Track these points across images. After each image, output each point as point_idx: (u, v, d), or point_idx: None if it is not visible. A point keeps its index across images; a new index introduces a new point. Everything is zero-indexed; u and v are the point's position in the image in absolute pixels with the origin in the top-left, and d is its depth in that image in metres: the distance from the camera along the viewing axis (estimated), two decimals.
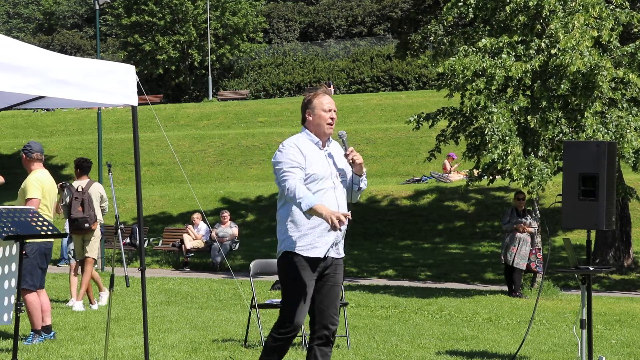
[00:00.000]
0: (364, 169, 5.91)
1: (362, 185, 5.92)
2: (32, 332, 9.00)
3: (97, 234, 11.80)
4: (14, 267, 6.39)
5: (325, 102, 5.81)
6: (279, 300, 10.68)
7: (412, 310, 13.12)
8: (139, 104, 7.18)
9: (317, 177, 5.71)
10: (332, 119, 5.81)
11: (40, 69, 6.14)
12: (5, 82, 5.89)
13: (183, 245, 21.16)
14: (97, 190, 11.81)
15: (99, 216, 11.80)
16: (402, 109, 37.89)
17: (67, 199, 11.65)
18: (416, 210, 25.95)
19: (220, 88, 57.68)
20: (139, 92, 7.02)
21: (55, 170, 34.93)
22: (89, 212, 11.59)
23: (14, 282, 6.38)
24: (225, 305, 13.28)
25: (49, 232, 6.38)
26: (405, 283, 18.34)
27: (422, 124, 16.59)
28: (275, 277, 15.49)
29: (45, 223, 6.39)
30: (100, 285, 12.52)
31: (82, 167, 11.78)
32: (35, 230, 6.29)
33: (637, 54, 15.39)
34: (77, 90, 6.49)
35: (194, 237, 21.19)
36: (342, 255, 5.92)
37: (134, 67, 7.07)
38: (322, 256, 5.73)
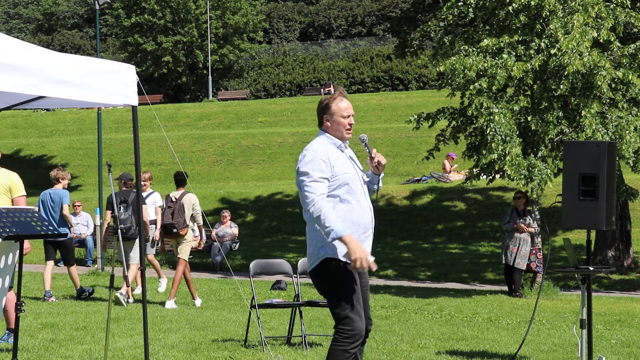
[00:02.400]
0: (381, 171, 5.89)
1: (381, 184, 5.93)
2: (7, 331, 8.96)
3: (188, 237, 13.06)
4: (10, 260, 6.37)
5: (344, 109, 5.70)
6: (279, 300, 10.73)
7: (412, 310, 13.12)
8: (139, 104, 7.18)
9: (349, 181, 5.59)
10: (350, 124, 5.72)
11: (40, 68, 6.13)
12: (5, 82, 5.88)
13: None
14: (189, 201, 13.16)
15: (190, 223, 13.11)
16: (402, 109, 37.92)
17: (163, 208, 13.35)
18: (416, 210, 25.95)
19: (220, 88, 57.69)
20: (139, 92, 7.02)
21: None
22: (178, 219, 12.90)
23: (7, 282, 6.36)
24: (225, 305, 13.28)
25: (49, 232, 6.37)
26: (405, 283, 18.33)
27: (422, 124, 16.58)
28: (275, 277, 15.59)
29: (46, 223, 6.38)
30: (160, 272, 14.95)
31: (177, 180, 13.31)
32: (35, 230, 6.28)
33: (638, 55, 15.39)
34: (77, 90, 6.48)
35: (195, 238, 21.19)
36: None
37: (134, 67, 7.07)
38: None
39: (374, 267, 5.43)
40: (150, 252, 14.37)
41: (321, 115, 5.76)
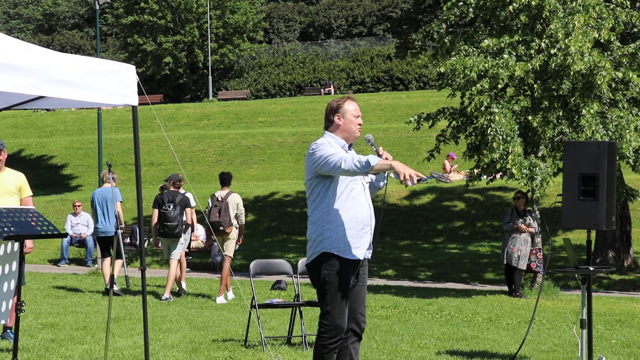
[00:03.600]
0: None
1: (381, 184, 6.09)
2: (8, 331, 8.96)
3: (233, 235, 13.72)
4: (14, 266, 6.38)
5: (355, 109, 6.00)
6: (279, 300, 10.74)
7: (412, 310, 13.12)
8: (139, 104, 7.17)
9: (351, 179, 5.84)
10: (359, 124, 5.98)
11: (40, 68, 6.13)
12: (5, 82, 5.88)
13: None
14: (234, 200, 13.86)
15: (234, 221, 13.74)
16: (402, 109, 37.91)
17: (209, 207, 13.88)
18: (416, 210, 25.94)
19: (220, 88, 57.69)
20: (139, 92, 7.02)
21: (56, 170, 34.92)
22: (224, 217, 13.59)
23: (13, 284, 6.37)
24: (225, 305, 13.28)
25: (49, 232, 6.37)
26: (405, 283, 18.33)
27: (422, 124, 16.59)
28: (275, 277, 15.60)
29: (46, 223, 6.38)
30: (183, 274, 14.99)
31: (222, 179, 14.08)
32: (35, 230, 6.28)
33: (638, 54, 15.39)
34: (77, 90, 6.48)
35: (193, 238, 21.19)
36: (369, 256, 6.03)
37: (134, 67, 7.07)
38: (361, 258, 5.86)
39: (418, 176, 5.51)
40: (183, 250, 14.61)
41: (331, 115, 6.01)
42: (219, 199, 13.78)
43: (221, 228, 13.55)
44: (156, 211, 13.98)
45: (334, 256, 5.75)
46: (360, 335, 5.95)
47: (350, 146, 6.00)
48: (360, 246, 5.82)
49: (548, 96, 14.85)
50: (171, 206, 13.89)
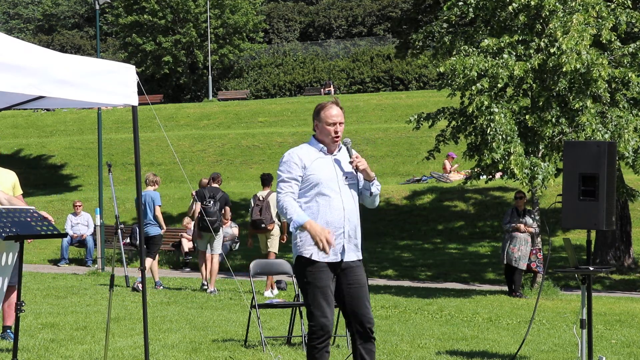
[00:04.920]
0: (372, 174, 6.04)
1: (374, 189, 6.08)
2: (8, 331, 8.96)
3: (276, 232, 14.62)
4: (9, 267, 6.37)
5: (330, 116, 5.99)
6: (279, 300, 10.75)
7: (412, 310, 13.12)
8: (139, 104, 7.17)
9: (319, 182, 5.91)
10: (336, 132, 5.99)
11: (40, 68, 6.13)
12: (5, 82, 5.88)
13: (181, 247, 21.18)
14: (274, 199, 14.06)
15: (276, 219, 14.59)
16: (402, 109, 37.89)
17: (252, 206, 14.81)
18: (416, 210, 25.94)
19: (220, 88, 57.68)
20: (139, 92, 7.01)
21: (55, 170, 34.92)
22: (265, 215, 14.48)
23: (6, 282, 6.36)
24: (225, 305, 13.28)
25: (48, 232, 6.37)
26: (405, 283, 18.33)
27: (422, 124, 16.59)
28: (276, 277, 15.61)
29: (45, 223, 6.38)
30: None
31: (263, 180, 14.93)
32: (35, 230, 6.28)
33: (638, 54, 15.39)
34: (77, 90, 6.48)
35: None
36: (359, 257, 6.06)
37: (134, 66, 7.06)
38: (331, 260, 5.91)
39: (332, 245, 5.78)
40: (222, 251, 15.40)
41: (313, 119, 6.11)
42: (261, 198, 14.67)
43: (263, 225, 14.47)
44: (198, 205, 14.80)
45: (307, 259, 5.91)
46: (369, 335, 5.97)
47: (333, 149, 6.02)
48: (334, 248, 5.88)
49: (546, 95, 14.85)
50: (211, 202, 14.71)
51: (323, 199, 5.89)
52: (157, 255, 15.68)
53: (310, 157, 5.97)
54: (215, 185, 15.10)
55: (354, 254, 6.00)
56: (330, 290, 5.90)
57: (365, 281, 6.08)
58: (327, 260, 5.89)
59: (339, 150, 6.07)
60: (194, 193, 15.47)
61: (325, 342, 5.88)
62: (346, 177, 5.99)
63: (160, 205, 15.07)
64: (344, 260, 5.94)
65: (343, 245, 5.93)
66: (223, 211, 14.97)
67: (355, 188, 6.03)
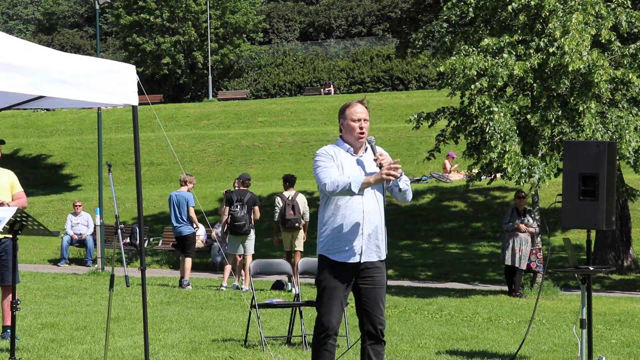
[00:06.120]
0: (399, 171, 5.91)
1: (402, 185, 6.01)
2: (8, 330, 8.96)
3: (301, 232, 15.19)
4: None
5: (355, 112, 6.03)
6: (279, 300, 10.75)
7: (412, 310, 13.12)
8: (139, 104, 7.17)
9: None
10: (361, 127, 6.01)
11: (40, 68, 6.13)
12: (5, 82, 5.88)
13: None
14: (302, 199, 15.30)
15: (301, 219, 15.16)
16: (402, 109, 37.88)
17: (280, 205, 15.18)
18: (416, 210, 25.94)
19: (220, 88, 57.67)
20: (139, 92, 7.01)
21: (55, 170, 34.92)
22: (298, 215, 15.04)
23: None
24: (225, 305, 13.27)
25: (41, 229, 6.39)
26: (405, 283, 18.33)
27: (422, 124, 16.59)
28: (276, 277, 15.64)
29: (36, 223, 6.44)
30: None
31: (289, 181, 15.35)
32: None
33: (638, 54, 15.38)
34: (77, 90, 6.48)
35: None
36: (380, 258, 6.02)
37: (134, 66, 7.06)
38: (349, 261, 5.91)
39: (397, 170, 5.78)
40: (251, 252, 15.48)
41: (339, 120, 6.16)
42: (290, 198, 15.12)
43: (297, 224, 15.01)
44: (227, 209, 14.97)
45: (326, 258, 5.97)
46: (379, 337, 5.99)
47: (359, 149, 6.04)
48: (349, 249, 5.90)
49: (547, 95, 14.84)
50: (238, 206, 14.81)
51: (343, 199, 5.91)
52: (193, 254, 16.09)
53: (340, 156, 6.00)
54: (244, 187, 15.24)
55: (375, 254, 5.98)
56: (341, 291, 5.94)
57: (384, 283, 6.05)
58: (345, 260, 5.90)
59: (365, 151, 6.07)
60: (225, 192, 16.11)
61: (325, 339, 5.94)
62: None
63: (193, 207, 15.31)
64: (363, 261, 5.93)
65: (362, 246, 5.92)
66: (253, 211, 15.11)
67: (379, 188, 6.00)
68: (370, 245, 5.94)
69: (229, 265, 15.34)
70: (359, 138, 6.01)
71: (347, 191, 5.77)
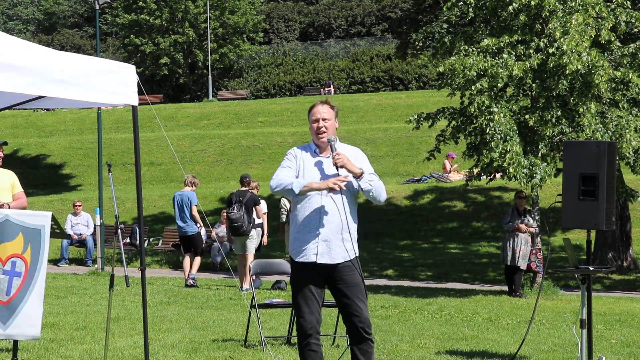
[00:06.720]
0: (357, 170, 5.90)
1: (364, 185, 5.95)
2: None
3: None
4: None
5: (314, 113, 6.08)
6: (279, 300, 10.75)
7: (412, 310, 13.11)
8: (139, 104, 7.17)
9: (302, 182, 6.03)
10: (319, 127, 6.03)
11: (40, 68, 6.13)
12: (5, 82, 5.88)
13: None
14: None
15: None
16: (402, 109, 37.88)
17: (286, 207, 15.09)
18: (416, 210, 25.94)
19: (220, 88, 57.67)
20: (139, 92, 7.01)
21: (55, 170, 34.92)
22: None
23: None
24: (225, 305, 13.27)
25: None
26: (405, 283, 18.33)
27: (422, 124, 16.60)
28: (276, 277, 15.64)
29: (55, 225, 6.43)
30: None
31: None
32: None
33: (638, 54, 15.38)
34: (77, 90, 6.48)
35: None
36: (346, 258, 5.97)
37: (134, 66, 7.06)
38: (307, 261, 5.95)
39: (341, 184, 5.87)
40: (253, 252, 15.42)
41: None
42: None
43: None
44: (225, 211, 15.26)
45: (292, 259, 6.08)
46: (363, 336, 5.95)
47: (324, 149, 6.07)
48: (305, 250, 5.94)
49: (546, 95, 14.84)
50: (235, 207, 14.66)
51: (307, 200, 5.96)
52: (202, 252, 16.25)
53: (304, 157, 6.07)
54: (244, 187, 15.21)
55: (338, 255, 5.95)
56: (310, 290, 5.94)
57: (357, 281, 5.98)
58: (305, 261, 5.95)
59: (329, 154, 6.05)
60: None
61: (306, 339, 5.95)
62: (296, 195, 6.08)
63: (196, 205, 15.35)
64: (320, 262, 5.92)
65: (317, 247, 5.92)
66: (255, 211, 15.07)
67: (348, 186, 5.97)
68: (331, 245, 5.92)
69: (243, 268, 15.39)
70: (319, 138, 6.05)
71: (289, 191, 5.90)
